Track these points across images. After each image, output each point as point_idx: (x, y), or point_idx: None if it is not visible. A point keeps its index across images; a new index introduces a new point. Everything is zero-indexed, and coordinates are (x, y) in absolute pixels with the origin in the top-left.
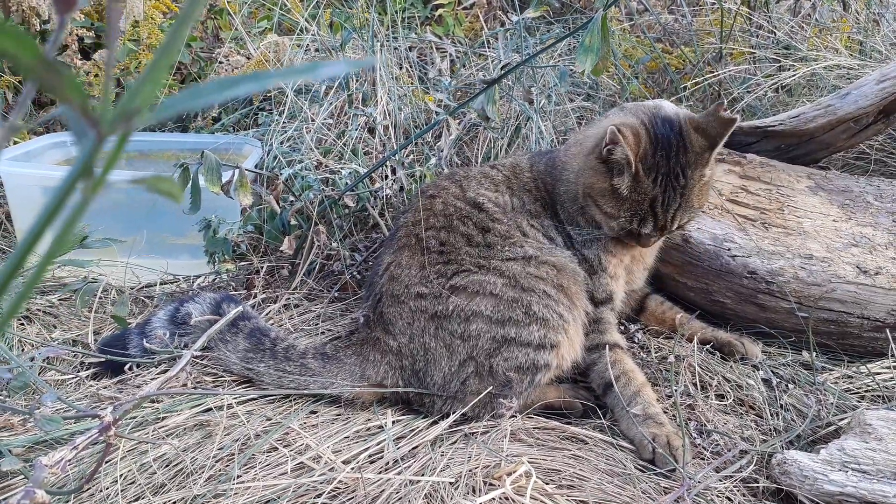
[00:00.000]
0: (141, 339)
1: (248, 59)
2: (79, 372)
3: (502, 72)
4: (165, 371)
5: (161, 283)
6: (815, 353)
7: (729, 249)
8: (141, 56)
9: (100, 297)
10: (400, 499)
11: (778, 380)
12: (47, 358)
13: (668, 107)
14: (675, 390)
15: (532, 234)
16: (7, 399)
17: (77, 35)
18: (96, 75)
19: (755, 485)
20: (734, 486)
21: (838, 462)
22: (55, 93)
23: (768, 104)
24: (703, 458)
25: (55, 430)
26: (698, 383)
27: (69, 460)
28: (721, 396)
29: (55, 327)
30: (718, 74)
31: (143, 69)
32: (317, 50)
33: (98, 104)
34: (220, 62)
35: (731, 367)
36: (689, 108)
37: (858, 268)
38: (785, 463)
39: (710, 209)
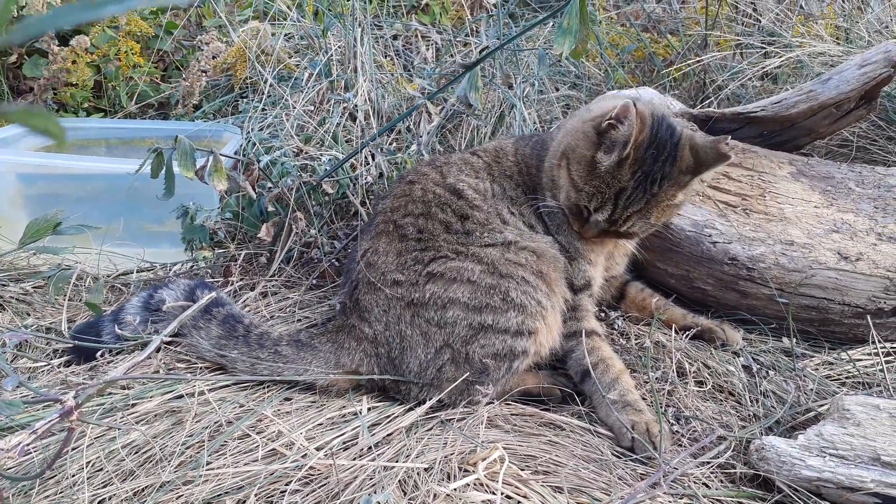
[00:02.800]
0: (114, 327)
1: (229, 45)
2: (51, 360)
3: (481, 55)
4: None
5: (138, 271)
6: (795, 340)
7: (710, 236)
8: (120, 43)
9: (75, 285)
10: (373, 485)
11: (758, 366)
12: (19, 345)
13: (657, 100)
14: (651, 377)
15: (512, 222)
16: None
17: None
18: (74, 62)
19: (733, 471)
20: (711, 472)
21: (816, 447)
22: None
23: (753, 92)
24: (681, 445)
25: (15, 413)
26: (678, 370)
27: (29, 444)
28: (700, 383)
29: (28, 315)
30: (702, 60)
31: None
32: (300, 37)
33: None
34: (201, 49)
35: (711, 353)
36: (674, 96)
37: (839, 254)
38: (763, 449)
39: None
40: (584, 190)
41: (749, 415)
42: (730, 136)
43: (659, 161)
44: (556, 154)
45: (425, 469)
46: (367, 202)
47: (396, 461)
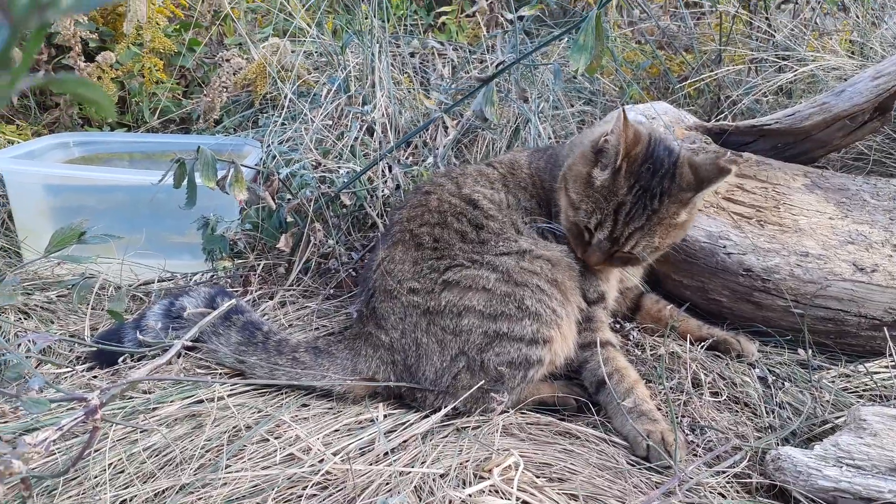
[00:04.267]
0: (136, 334)
1: (250, 62)
2: (75, 366)
3: (496, 70)
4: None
5: (159, 281)
6: (811, 352)
7: (724, 247)
8: (144, 59)
9: (98, 294)
10: (389, 490)
11: (774, 377)
12: (43, 350)
13: (671, 114)
14: (666, 386)
15: (526, 232)
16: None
17: (81, 37)
18: (99, 77)
19: (748, 481)
20: (727, 482)
21: (833, 457)
22: None
23: (767, 106)
24: (696, 455)
25: (41, 411)
26: (693, 380)
27: (55, 442)
28: (716, 394)
29: (52, 322)
30: (717, 75)
31: None
32: (318, 54)
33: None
34: (221, 65)
35: (726, 364)
36: (689, 111)
37: (855, 265)
38: (779, 458)
39: (705, 207)
40: (581, 207)
41: (765, 425)
42: (739, 152)
43: (657, 176)
44: (559, 177)
45: (441, 475)
46: (384, 214)
47: (412, 467)
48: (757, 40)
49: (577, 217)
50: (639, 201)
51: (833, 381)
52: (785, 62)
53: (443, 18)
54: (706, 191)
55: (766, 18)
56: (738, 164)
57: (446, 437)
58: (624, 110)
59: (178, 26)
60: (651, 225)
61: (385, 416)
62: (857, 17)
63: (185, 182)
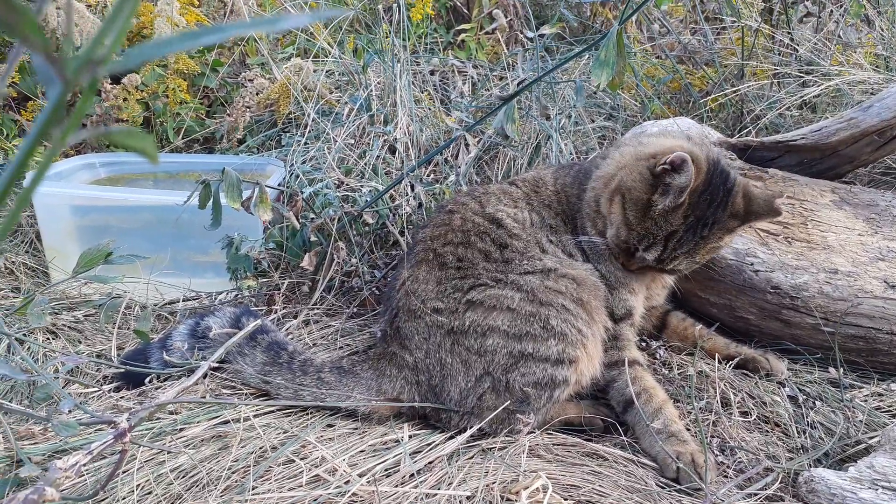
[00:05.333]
0: (162, 353)
1: (272, 82)
2: (101, 385)
3: (518, 87)
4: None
5: (184, 300)
6: (842, 370)
7: (751, 264)
8: (169, 80)
9: (124, 314)
10: None
11: (804, 397)
12: (70, 371)
13: (694, 130)
14: (695, 406)
15: (551, 250)
16: (30, 409)
17: None
18: (125, 99)
19: (781, 503)
20: None
21: (868, 480)
22: (14, 33)
23: (791, 121)
24: (726, 476)
25: (71, 433)
26: (722, 400)
27: (84, 465)
28: (745, 413)
29: (80, 342)
30: (739, 90)
31: (108, 15)
32: (340, 73)
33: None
34: (244, 85)
35: (755, 383)
36: (712, 126)
37: (886, 282)
38: (812, 481)
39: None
40: (635, 230)
41: (796, 446)
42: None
43: (712, 206)
44: (605, 187)
45: (467, 497)
46: (406, 232)
47: (438, 489)
48: (780, 54)
49: (629, 237)
50: (690, 230)
51: (865, 400)
52: (809, 76)
53: (462, 36)
54: (753, 224)
55: (789, 32)
56: (763, 180)
57: (472, 458)
58: (691, 155)
59: (201, 47)
60: (696, 249)
61: (410, 437)
62: (882, 29)
63: (209, 203)
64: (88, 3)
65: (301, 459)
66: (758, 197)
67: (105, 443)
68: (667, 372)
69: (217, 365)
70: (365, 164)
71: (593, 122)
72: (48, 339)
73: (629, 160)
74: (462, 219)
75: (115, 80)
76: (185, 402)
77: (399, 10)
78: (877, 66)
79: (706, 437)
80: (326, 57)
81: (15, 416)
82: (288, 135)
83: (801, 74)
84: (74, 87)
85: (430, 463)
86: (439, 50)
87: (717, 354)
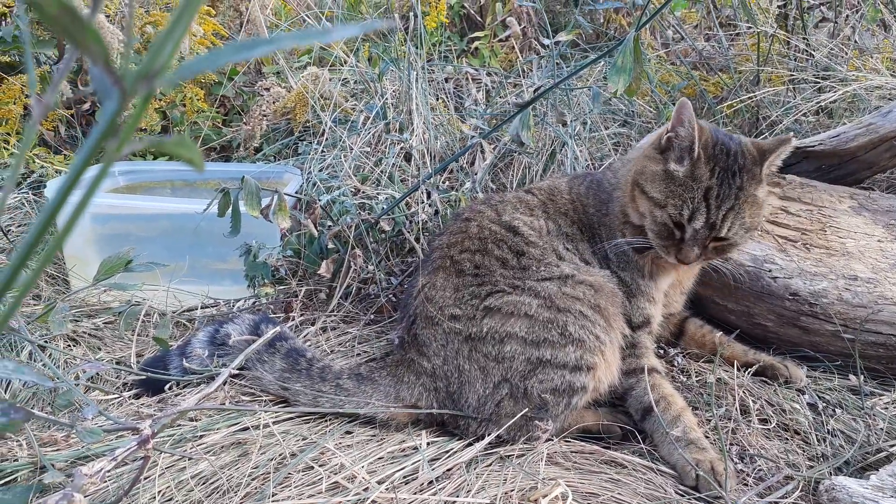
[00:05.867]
0: (181, 360)
1: (289, 91)
2: (122, 392)
3: (535, 94)
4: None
5: (202, 307)
6: (862, 377)
7: (770, 271)
8: (186, 90)
9: (143, 321)
10: None
11: (824, 404)
12: (91, 378)
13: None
14: (714, 413)
15: (568, 258)
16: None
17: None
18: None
19: None
20: None
21: (890, 488)
22: (77, 43)
23: (808, 127)
24: (746, 485)
25: (95, 440)
26: (741, 407)
27: (108, 471)
28: (764, 421)
29: (100, 349)
30: (755, 95)
31: (163, 29)
32: (355, 81)
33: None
34: (261, 94)
35: (774, 390)
36: (728, 131)
37: None
38: (833, 489)
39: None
40: (669, 203)
41: (816, 454)
42: (782, 174)
43: (731, 157)
44: (625, 191)
45: None
46: (423, 239)
47: (457, 496)
48: (795, 60)
49: (665, 215)
50: (723, 182)
51: (886, 408)
52: (825, 81)
53: (476, 44)
54: (768, 161)
55: (805, 38)
56: (781, 186)
57: (490, 465)
58: (686, 100)
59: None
60: (740, 203)
61: (428, 444)
62: None
63: (229, 210)
64: (107, 14)
65: (320, 466)
66: (762, 141)
67: (129, 449)
68: (685, 379)
69: (236, 371)
70: (381, 171)
71: (608, 128)
72: (69, 346)
73: (636, 157)
74: (479, 226)
75: None
76: (206, 409)
77: (415, 19)
78: (894, 72)
79: (725, 445)
80: (342, 65)
81: (38, 422)
82: (305, 143)
83: (818, 80)
84: (131, 99)
85: (448, 470)
86: (453, 58)
87: (735, 361)
